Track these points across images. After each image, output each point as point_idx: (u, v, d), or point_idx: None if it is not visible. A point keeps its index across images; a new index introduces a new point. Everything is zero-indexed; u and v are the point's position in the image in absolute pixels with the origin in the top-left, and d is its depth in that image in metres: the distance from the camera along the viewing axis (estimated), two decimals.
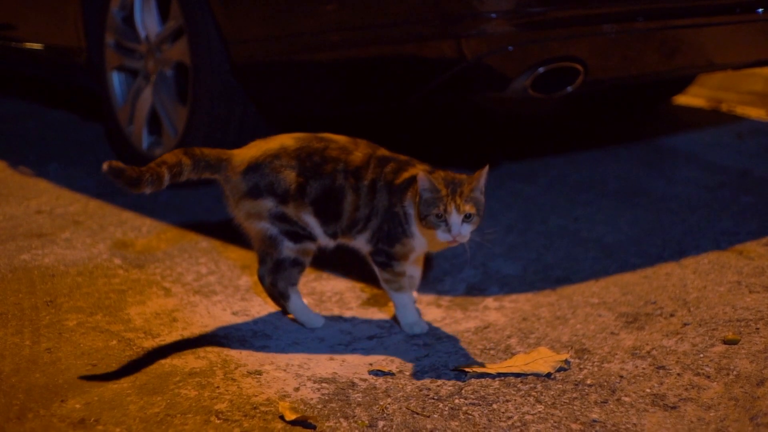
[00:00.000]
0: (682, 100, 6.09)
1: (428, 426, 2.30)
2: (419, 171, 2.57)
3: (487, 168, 2.56)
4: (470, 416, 2.35)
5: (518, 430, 2.29)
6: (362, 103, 3.88)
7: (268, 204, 2.70)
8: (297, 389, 2.47)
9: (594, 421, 2.32)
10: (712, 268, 3.30)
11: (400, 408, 2.38)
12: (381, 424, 2.31)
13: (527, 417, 2.35)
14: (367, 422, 2.31)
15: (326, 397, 2.43)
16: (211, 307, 2.97)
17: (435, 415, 2.35)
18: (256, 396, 2.43)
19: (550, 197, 4.12)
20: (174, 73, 4.09)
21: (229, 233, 2.97)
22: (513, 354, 2.67)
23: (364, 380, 2.52)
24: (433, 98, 3.94)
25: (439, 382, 2.51)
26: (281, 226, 2.72)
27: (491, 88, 3.41)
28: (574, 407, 2.39)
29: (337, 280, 3.19)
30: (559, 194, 4.15)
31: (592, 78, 3.41)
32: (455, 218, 2.51)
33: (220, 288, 3.12)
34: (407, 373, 2.56)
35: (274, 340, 2.75)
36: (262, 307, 2.97)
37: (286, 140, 2.74)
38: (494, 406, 2.39)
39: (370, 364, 2.61)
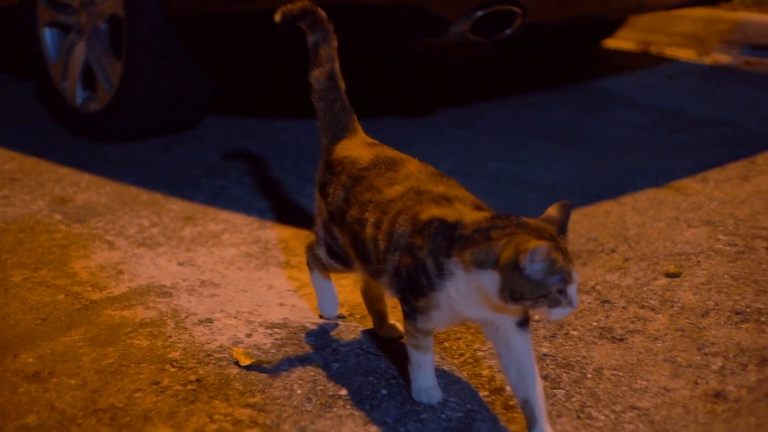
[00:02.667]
0: (613, 43, 6.15)
1: (382, 365, 2.33)
2: (533, 242, 1.85)
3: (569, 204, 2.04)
4: (459, 373, 2.37)
5: (470, 366, 2.32)
6: (300, 52, 3.87)
7: (324, 211, 2.35)
8: (249, 335, 2.48)
9: (544, 354, 2.36)
10: (651, 205, 3.36)
11: (354, 349, 2.41)
12: (335, 365, 2.33)
13: (479, 353, 2.38)
14: (321, 364, 2.33)
15: (279, 342, 2.44)
16: (157, 259, 2.96)
17: (388, 355, 2.38)
18: (209, 343, 2.44)
19: (489, 142, 4.15)
20: (108, 27, 4.05)
21: (170, 186, 2.97)
22: None
23: (316, 324, 2.54)
24: (372, 45, 3.95)
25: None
26: (328, 239, 2.36)
27: (431, 33, 3.42)
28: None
29: (282, 228, 3.20)
30: (497, 138, 4.18)
31: (529, 21, 3.43)
32: (575, 286, 1.92)
33: (164, 239, 3.11)
34: (358, 316, 2.58)
35: (223, 289, 2.76)
36: (208, 256, 2.97)
37: (366, 152, 2.29)
38: (446, 344, 2.43)
39: None
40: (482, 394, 2.22)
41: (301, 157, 3.91)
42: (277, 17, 2.33)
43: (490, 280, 1.89)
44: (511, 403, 2.17)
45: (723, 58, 5.90)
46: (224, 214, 3.31)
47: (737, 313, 2.58)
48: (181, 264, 2.93)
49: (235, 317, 2.58)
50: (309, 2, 2.35)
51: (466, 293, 1.96)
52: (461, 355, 2.38)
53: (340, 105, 2.38)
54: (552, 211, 1.99)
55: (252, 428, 2.08)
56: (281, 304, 2.66)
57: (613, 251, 2.97)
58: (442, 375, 2.27)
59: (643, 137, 4.23)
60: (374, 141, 2.35)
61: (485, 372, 2.30)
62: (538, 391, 2.00)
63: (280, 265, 2.91)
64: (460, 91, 5.15)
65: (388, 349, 2.41)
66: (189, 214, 3.31)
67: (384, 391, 2.22)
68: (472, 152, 4.01)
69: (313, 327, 2.52)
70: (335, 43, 2.38)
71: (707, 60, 5.86)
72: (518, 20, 3.38)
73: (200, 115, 4.28)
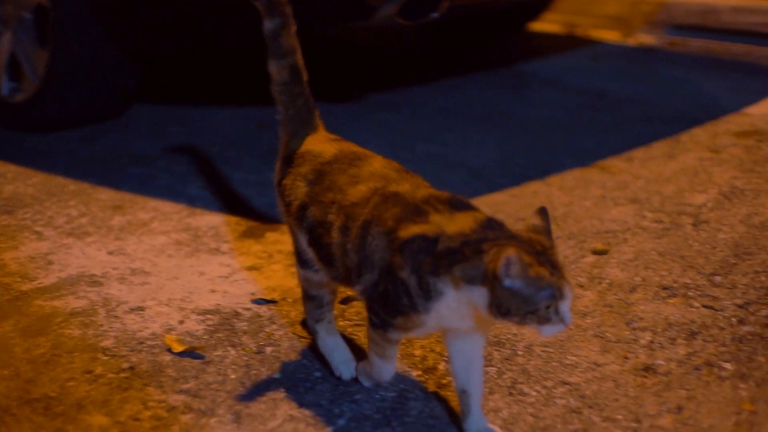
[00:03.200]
0: (539, 26, 6.20)
1: (315, 349, 2.34)
2: (508, 249, 1.75)
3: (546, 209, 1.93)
4: (355, 336, 2.39)
5: (403, 347, 2.34)
6: (223, 40, 3.86)
7: (282, 210, 2.23)
8: (182, 322, 2.48)
9: None
10: (577, 185, 3.40)
11: (286, 333, 2.42)
12: (269, 349, 2.34)
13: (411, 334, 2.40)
14: (255, 349, 2.34)
15: (212, 328, 2.44)
16: (86, 248, 2.94)
17: None
18: (141, 331, 2.43)
19: (416, 125, 4.17)
20: (34, 17, 4.00)
21: (98, 175, 2.94)
22: None
23: (248, 309, 2.55)
24: (298, 29, 3.94)
25: None
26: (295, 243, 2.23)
27: (357, 16, 3.43)
28: None
29: (212, 215, 3.19)
30: (425, 121, 4.21)
31: (456, 3, 3.45)
32: (568, 302, 1.81)
33: (93, 229, 3.09)
34: (290, 300, 2.59)
35: (154, 277, 2.75)
36: (138, 245, 2.96)
37: (328, 147, 2.18)
38: None
39: (253, 294, 2.63)
40: (415, 373, 2.23)
41: (229, 145, 3.90)
42: None
43: (480, 295, 1.80)
44: (444, 381, 2.19)
45: (648, 38, 5.98)
46: (153, 202, 3.30)
47: (664, 288, 2.63)
48: (110, 253, 2.91)
49: (167, 305, 2.58)
50: None
51: (457, 309, 1.85)
52: None
53: (303, 100, 2.26)
54: (535, 219, 1.88)
55: (186, 414, 2.08)
56: (213, 291, 2.65)
57: None
58: None
59: (568, 118, 4.28)
60: (337, 137, 2.25)
61: (417, 352, 2.32)
62: (480, 383, 1.99)
63: (211, 252, 2.90)
64: (388, 75, 5.17)
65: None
66: (117, 203, 3.29)
67: (318, 374, 2.23)
68: (400, 135, 4.03)
69: (246, 312, 2.53)
70: (294, 29, 2.25)
71: (632, 41, 5.93)
72: (445, 3, 3.40)
73: (127, 103, 4.25)
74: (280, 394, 2.15)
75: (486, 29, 5.87)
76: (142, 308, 2.56)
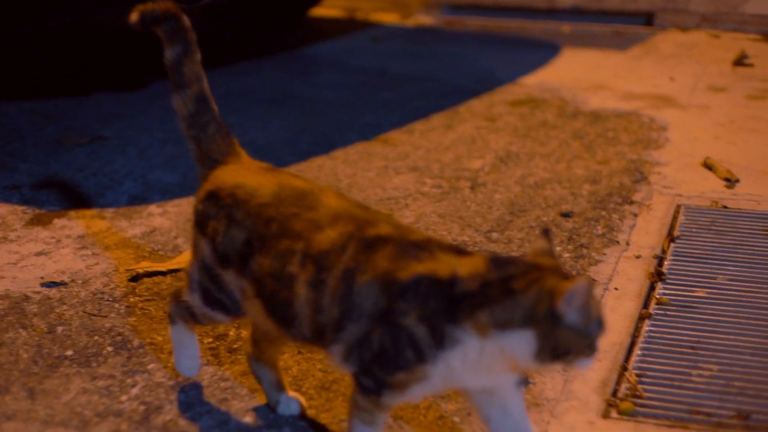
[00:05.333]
0: (321, 11, 6.31)
1: (107, 325, 2.37)
2: (568, 284, 1.57)
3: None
4: (147, 311, 2.44)
5: None
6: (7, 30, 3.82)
7: (206, 250, 1.91)
8: None
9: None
10: (360, 157, 3.52)
11: (77, 313, 2.44)
12: (60, 329, 2.36)
13: None
14: (46, 329, 2.36)
15: (2, 312, 2.44)
16: None
17: (112, 315, 2.42)
18: None
19: None
20: None
21: None
22: (181, 252, 2.77)
23: (38, 293, 2.55)
24: (68, 19, 3.92)
25: (113, 285, 2.58)
26: (207, 283, 1.92)
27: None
28: None
29: None
30: None
31: None
32: None
33: None
34: (80, 282, 2.61)
35: None
36: None
37: (263, 181, 1.88)
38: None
39: (42, 278, 2.64)
40: (206, 341, 2.29)
41: (14, 137, 3.85)
42: (134, 17, 1.95)
43: (522, 341, 1.57)
44: (234, 346, 2.26)
45: (425, 19, 6.16)
46: None
47: None
48: None
49: None
50: (173, 4, 1.99)
51: (477, 362, 1.62)
52: None
53: (215, 127, 2.00)
54: (541, 243, 1.69)
55: None
56: (1, 277, 2.65)
57: None
58: (167, 329, 2.32)
59: (351, 96, 4.39)
60: (267, 164, 1.98)
61: None
62: None
63: None
64: None
65: (111, 309, 2.45)
66: None
67: (110, 348, 2.27)
68: None
69: (35, 296, 2.53)
70: (198, 56, 2.03)
71: (410, 22, 6.10)
72: None
73: None
74: (72, 370, 2.18)
75: (270, 15, 5.94)
76: None
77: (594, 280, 1.56)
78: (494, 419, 1.75)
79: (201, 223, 1.91)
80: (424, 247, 1.67)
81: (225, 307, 1.90)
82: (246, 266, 1.82)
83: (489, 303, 1.58)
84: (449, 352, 1.61)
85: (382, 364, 1.66)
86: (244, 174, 1.91)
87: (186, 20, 2.00)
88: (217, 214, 1.88)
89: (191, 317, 1.99)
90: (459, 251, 1.68)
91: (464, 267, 1.62)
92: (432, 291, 1.61)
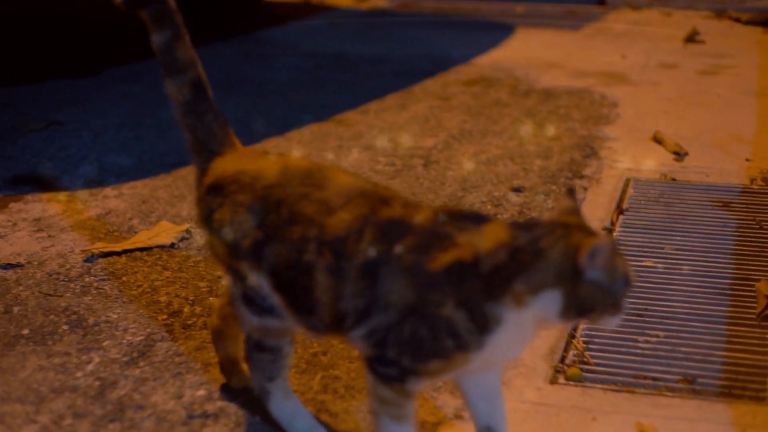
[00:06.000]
0: None
1: (62, 304, 2.39)
2: (591, 240, 1.54)
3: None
4: (102, 290, 2.46)
5: (149, 295, 2.42)
6: None
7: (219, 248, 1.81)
8: None
9: (220, 276, 2.49)
10: (315, 138, 3.55)
11: (33, 293, 2.46)
12: (16, 309, 2.38)
13: (156, 283, 2.49)
14: (2, 310, 2.37)
15: None
16: None
17: (68, 294, 2.44)
18: None
19: (158, 94, 4.17)
20: None
21: None
22: (136, 232, 2.79)
23: None
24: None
25: (68, 265, 2.60)
26: (238, 285, 1.81)
27: None
28: (200, 269, 2.56)
29: None
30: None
31: None
32: None
33: None
34: (36, 263, 2.62)
35: None
36: None
37: (266, 164, 1.80)
38: (124, 278, 2.51)
39: None
40: (161, 318, 2.32)
41: None
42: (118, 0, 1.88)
43: (551, 300, 1.55)
44: (189, 323, 2.29)
45: (381, 2, 6.19)
46: None
47: None
48: None
49: None
50: None
51: (518, 335, 1.61)
52: (139, 286, 2.47)
53: (213, 115, 1.92)
54: (567, 202, 1.66)
55: None
56: None
57: None
58: (122, 307, 2.36)
59: (306, 79, 4.42)
60: (264, 150, 1.92)
61: (163, 299, 2.41)
62: (505, 417, 1.77)
63: None
64: (128, 50, 5.18)
65: (67, 289, 2.47)
66: None
67: (65, 327, 2.29)
68: (143, 104, 4.07)
69: None
70: (188, 39, 1.93)
71: (366, 5, 6.13)
72: None
73: None
74: (28, 348, 2.20)
75: (219, 2, 5.96)
76: None
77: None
78: (467, 382, 1.73)
79: (207, 219, 1.81)
80: (443, 233, 1.60)
81: (268, 309, 1.78)
82: (260, 256, 1.73)
83: (523, 269, 1.54)
84: (492, 335, 1.56)
85: (414, 353, 1.60)
86: (245, 161, 1.83)
87: (172, 2, 1.92)
88: (222, 203, 1.78)
89: (268, 363, 1.83)
90: (477, 219, 1.63)
91: (485, 241, 1.57)
92: (462, 275, 1.56)
